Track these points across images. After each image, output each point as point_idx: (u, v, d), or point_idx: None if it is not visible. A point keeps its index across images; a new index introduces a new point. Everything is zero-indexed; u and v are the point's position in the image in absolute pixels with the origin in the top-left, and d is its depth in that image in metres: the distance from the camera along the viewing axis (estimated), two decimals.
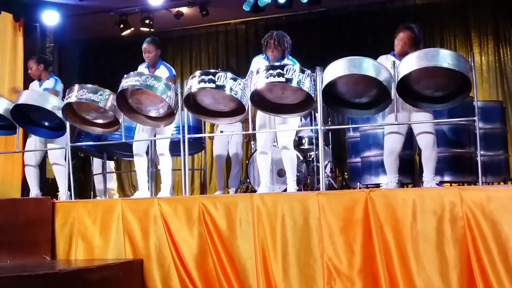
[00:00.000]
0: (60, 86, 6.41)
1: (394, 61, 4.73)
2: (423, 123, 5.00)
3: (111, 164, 8.25)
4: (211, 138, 8.19)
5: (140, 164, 5.80)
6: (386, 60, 5.07)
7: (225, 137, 7.68)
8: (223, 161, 7.78)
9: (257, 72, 4.89)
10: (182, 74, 11.28)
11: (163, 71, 5.77)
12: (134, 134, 5.87)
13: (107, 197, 7.67)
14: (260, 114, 5.39)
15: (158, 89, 5.20)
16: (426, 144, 5.02)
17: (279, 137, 5.45)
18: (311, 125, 7.40)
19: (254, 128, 5.40)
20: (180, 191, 8.93)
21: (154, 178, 6.53)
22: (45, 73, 6.43)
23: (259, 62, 5.38)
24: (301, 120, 7.89)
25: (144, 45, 5.78)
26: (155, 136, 5.80)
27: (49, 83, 6.38)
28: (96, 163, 7.84)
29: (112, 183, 8.15)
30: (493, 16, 9.76)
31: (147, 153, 6.01)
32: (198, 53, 11.56)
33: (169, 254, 4.74)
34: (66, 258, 5.10)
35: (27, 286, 3.85)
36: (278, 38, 5.28)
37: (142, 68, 5.89)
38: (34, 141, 6.33)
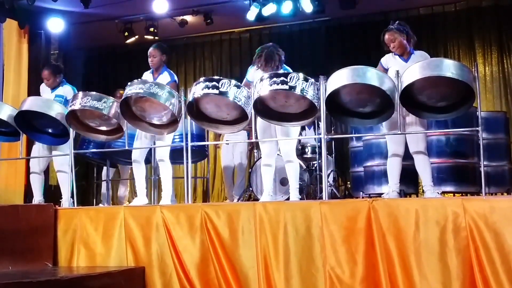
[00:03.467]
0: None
1: (397, 71, 4.74)
2: (416, 139, 5.08)
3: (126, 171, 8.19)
4: (218, 146, 8.23)
5: (139, 171, 5.81)
6: (392, 58, 5.19)
7: (231, 147, 7.72)
8: (231, 171, 7.82)
9: (261, 80, 4.90)
10: (186, 82, 11.31)
11: (165, 77, 5.79)
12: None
13: (123, 203, 7.66)
14: (260, 123, 5.38)
15: (161, 96, 5.21)
16: (419, 161, 5.12)
17: (282, 146, 5.45)
18: (314, 134, 7.41)
19: (257, 137, 5.41)
20: (183, 199, 8.94)
21: (157, 185, 6.54)
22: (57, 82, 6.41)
23: (256, 73, 5.38)
24: (304, 129, 7.94)
25: (150, 50, 5.82)
26: (154, 143, 5.81)
27: (65, 91, 6.26)
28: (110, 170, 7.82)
29: (124, 190, 8.11)
30: (497, 26, 9.77)
31: (147, 161, 6.01)
32: (202, 61, 11.59)
33: (171, 262, 4.73)
34: (68, 265, 5.09)
35: None
36: (266, 57, 5.33)
37: (146, 74, 5.92)
38: (38, 149, 6.33)
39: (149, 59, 5.82)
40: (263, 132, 5.44)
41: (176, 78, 5.89)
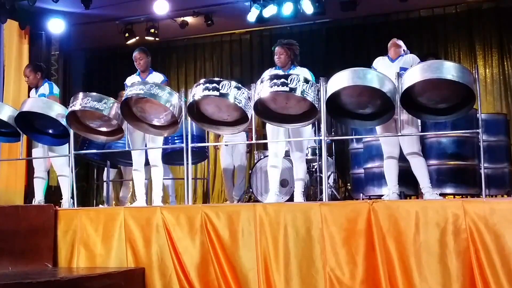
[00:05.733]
0: (56, 89, 6.43)
1: (398, 72, 4.76)
2: (408, 142, 5.13)
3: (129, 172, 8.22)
4: (217, 148, 8.23)
5: (139, 178, 5.87)
6: (382, 59, 5.39)
7: (230, 148, 7.72)
8: (231, 172, 7.83)
9: (261, 82, 4.90)
10: (186, 83, 11.31)
11: (155, 76, 5.84)
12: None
13: (125, 203, 7.67)
14: (270, 125, 5.39)
15: (162, 98, 5.21)
16: (414, 163, 5.15)
17: (293, 152, 5.48)
18: (315, 136, 7.40)
19: (256, 139, 5.42)
20: (183, 200, 8.94)
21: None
22: (41, 81, 6.43)
23: (271, 72, 5.42)
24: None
25: (135, 54, 5.94)
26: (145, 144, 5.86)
27: (44, 88, 6.37)
28: (111, 171, 7.83)
29: (127, 192, 8.12)
30: (498, 28, 9.76)
31: (146, 162, 6.02)
32: (202, 63, 11.59)
33: (171, 263, 4.74)
34: (68, 266, 5.09)
35: None
36: (285, 43, 5.44)
37: (133, 77, 5.98)
38: (40, 152, 6.33)
39: (136, 63, 5.94)
40: (273, 133, 5.43)
41: (166, 77, 6.00)
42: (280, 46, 5.44)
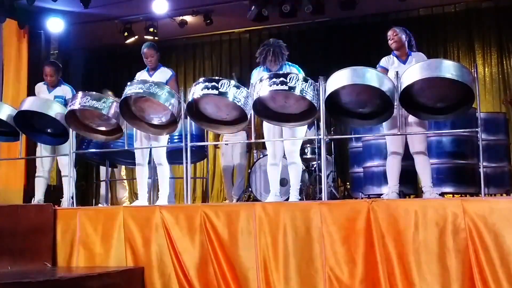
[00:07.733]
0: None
1: (397, 72, 4.75)
2: (417, 140, 5.11)
3: (122, 171, 8.24)
4: (217, 147, 8.23)
5: (142, 174, 5.81)
6: (391, 59, 5.27)
7: (230, 147, 7.73)
8: (230, 171, 7.84)
9: (260, 80, 4.90)
10: (186, 82, 11.30)
11: (164, 72, 5.84)
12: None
13: (120, 203, 7.66)
14: (266, 125, 5.39)
15: (161, 96, 5.21)
16: (419, 161, 5.14)
17: (286, 146, 5.45)
18: (315, 135, 7.41)
19: (256, 138, 5.41)
20: (182, 199, 8.94)
21: (157, 186, 6.54)
22: (57, 80, 6.40)
23: (259, 74, 5.34)
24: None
25: (145, 50, 5.84)
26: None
27: (63, 91, 6.30)
28: (103, 170, 7.84)
29: (124, 191, 8.13)
30: (497, 27, 9.77)
31: (149, 162, 6.01)
32: (201, 62, 11.59)
33: (170, 262, 4.73)
34: (67, 265, 5.08)
35: None
36: (276, 53, 5.29)
37: (142, 73, 5.95)
38: (41, 152, 6.32)
39: (147, 59, 5.85)
40: (269, 133, 5.43)
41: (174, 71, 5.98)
42: (272, 54, 5.30)
